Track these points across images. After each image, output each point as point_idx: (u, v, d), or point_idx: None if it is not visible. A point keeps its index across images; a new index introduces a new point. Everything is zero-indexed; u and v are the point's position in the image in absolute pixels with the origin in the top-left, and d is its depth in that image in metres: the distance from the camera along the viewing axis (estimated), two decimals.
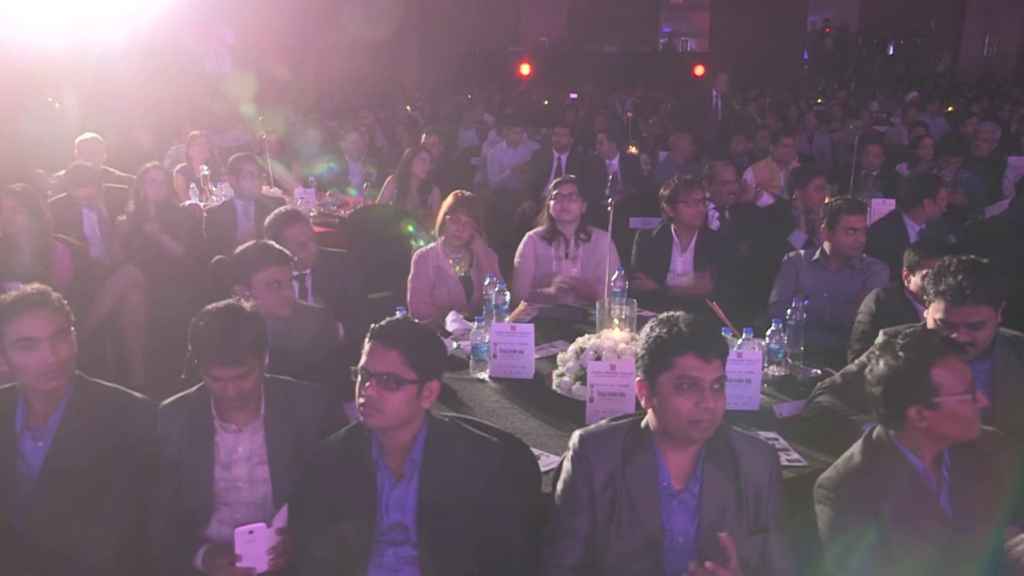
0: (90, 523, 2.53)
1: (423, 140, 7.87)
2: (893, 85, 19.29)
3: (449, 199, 4.42)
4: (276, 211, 4.13)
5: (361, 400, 2.28)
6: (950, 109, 13.34)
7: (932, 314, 2.81)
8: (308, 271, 4.12)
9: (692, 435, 2.16)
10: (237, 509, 2.60)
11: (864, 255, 4.25)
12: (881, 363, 2.25)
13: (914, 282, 3.54)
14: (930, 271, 2.87)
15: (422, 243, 4.38)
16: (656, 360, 2.15)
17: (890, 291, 3.69)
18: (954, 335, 2.67)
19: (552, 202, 4.53)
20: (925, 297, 2.91)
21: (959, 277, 2.70)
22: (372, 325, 2.34)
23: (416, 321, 2.50)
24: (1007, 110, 11.04)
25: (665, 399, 2.14)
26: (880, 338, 2.99)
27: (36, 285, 2.62)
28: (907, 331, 2.35)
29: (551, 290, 4.38)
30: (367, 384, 2.27)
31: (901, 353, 2.22)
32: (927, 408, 2.16)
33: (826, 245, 4.23)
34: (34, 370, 2.52)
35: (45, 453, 2.58)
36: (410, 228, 4.35)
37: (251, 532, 2.37)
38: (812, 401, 3.00)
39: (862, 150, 7.28)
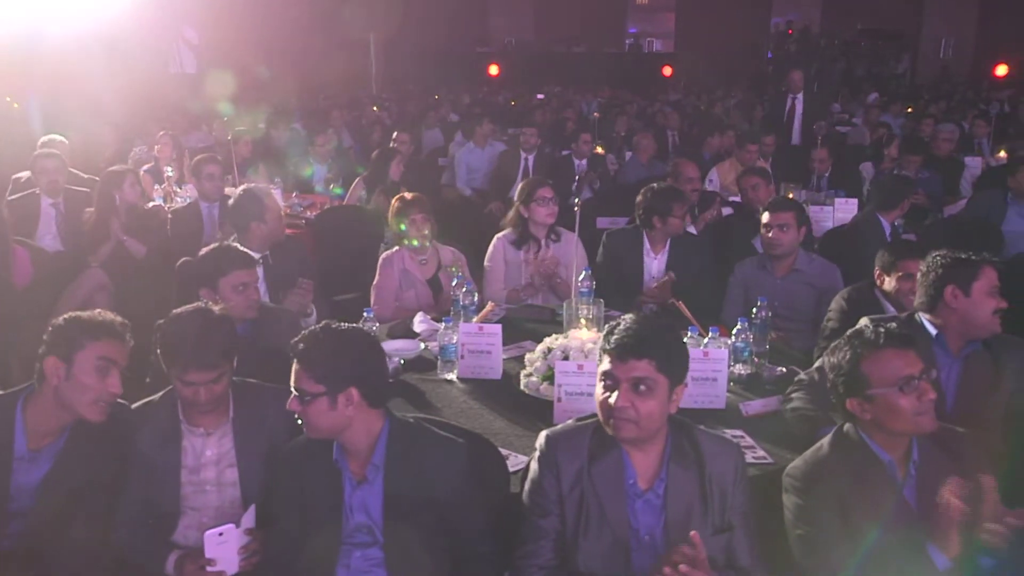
0: (82, 534, 2.50)
1: (394, 138, 7.84)
2: (854, 86, 19.56)
3: (396, 205, 4.37)
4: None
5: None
6: (909, 110, 13.55)
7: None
8: (266, 253, 4.16)
9: (611, 431, 2.19)
10: (205, 513, 2.58)
11: (814, 256, 4.29)
12: (831, 356, 2.33)
13: (888, 283, 3.59)
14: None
15: (415, 242, 4.35)
16: (601, 358, 2.22)
17: (861, 290, 3.73)
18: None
19: (535, 206, 4.47)
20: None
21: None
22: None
23: (339, 327, 2.38)
24: (970, 117, 11.25)
25: (596, 393, 2.23)
26: (863, 323, 3.05)
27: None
28: (888, 323, 2.39)
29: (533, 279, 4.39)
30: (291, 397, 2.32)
31: (844, 345, 2.29)
32: (864, 400, 2.22)
33: None
34: (95, 397, 2.47)
35: (43, 474, 2.51)
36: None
37: (221, 535, 2.35)
38: (787, 397, 3.01)
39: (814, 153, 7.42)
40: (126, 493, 2.56)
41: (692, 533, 2.04)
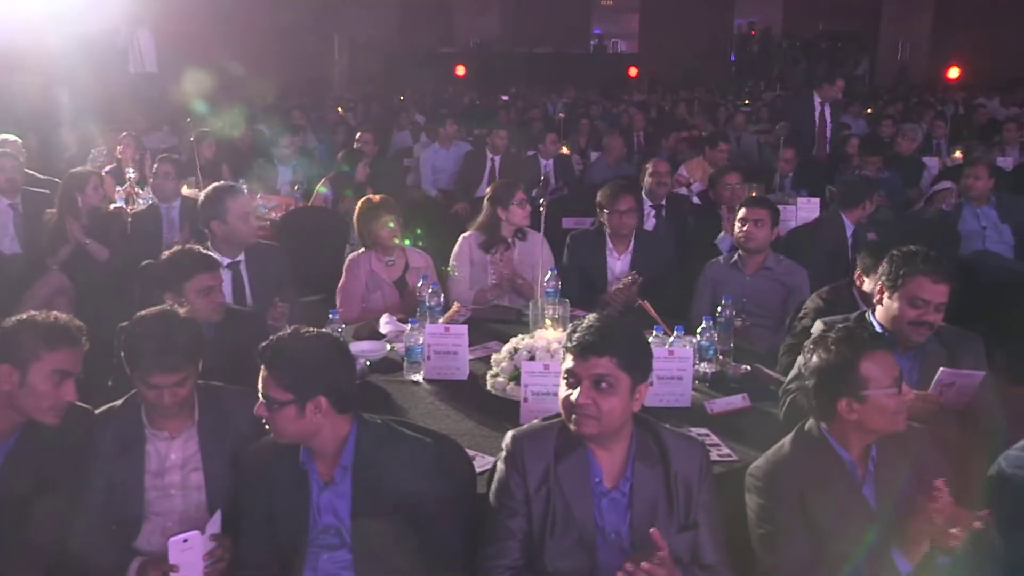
0: (25, 539, 2.45)
1: (358, 138, 7.80)
2: (815, 87, 19.79)
3: (363, 208, 4.34)
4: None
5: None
6: (869, 111, 13.77)
7: (915, 293, 2.89)
8: (242, 259, 4.12)
9: (571, 427, 2.21)
10: (169, 518, 2.55)
11: (782, 257, 4.35)
12: (814, 356, 2.31)
13: (867, 284, 3.61)
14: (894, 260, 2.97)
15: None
16: (563, 357, 2.25)
17: (839, 289, 3.77)
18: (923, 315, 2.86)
19: (515, 208, 4.45)
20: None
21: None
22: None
23: (308, 334, 2.36)
24: (928, 115, 11.47)
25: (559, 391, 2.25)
26: (818, 326, 3.10)
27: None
28: (841, 324, 2.42)
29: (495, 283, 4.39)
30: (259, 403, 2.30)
31: (833, 346, 2.28)
32: (856, 401, 2.23)
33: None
34: (50, 405, 2.43)
35: None
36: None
37: (185, 541, 2.32)
38: (786, 394, 3.01)
39: (778, 154, 7.51)
40: (87, 499, 2.52)
41: (652, 531, 2.05)
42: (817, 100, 8.43)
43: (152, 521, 2.55)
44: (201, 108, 10.00)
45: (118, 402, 2.62)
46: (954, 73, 18.77)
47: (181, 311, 2.63)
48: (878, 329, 2.99)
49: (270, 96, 13.56)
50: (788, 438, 2.37)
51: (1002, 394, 3.21)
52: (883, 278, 2.99)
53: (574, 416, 2.18)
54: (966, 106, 14.48)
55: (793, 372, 3.06)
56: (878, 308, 3.02)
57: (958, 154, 8.34)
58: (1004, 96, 15.85)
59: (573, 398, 2.17)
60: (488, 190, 4.69)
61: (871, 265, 3.61)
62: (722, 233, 5.34)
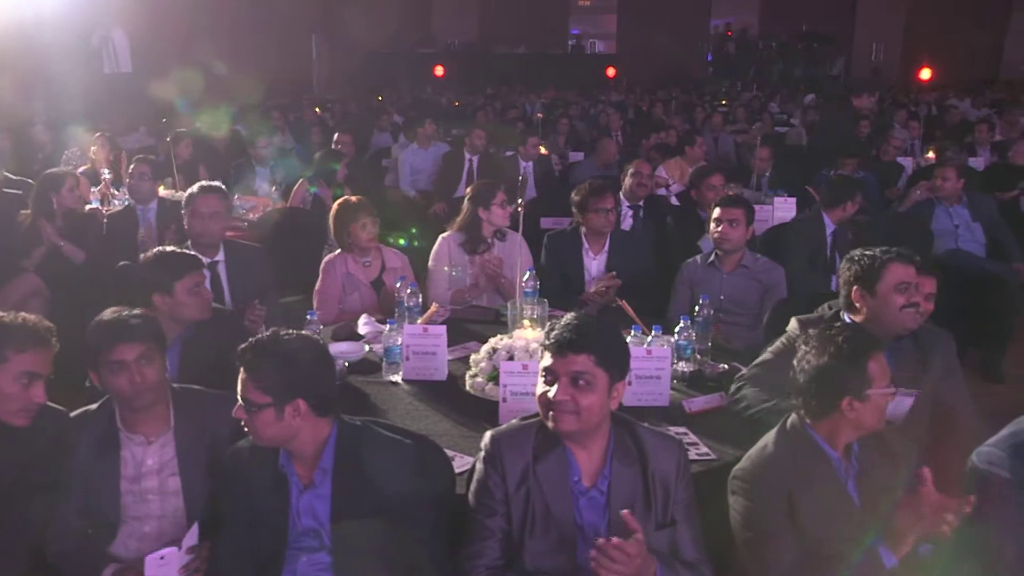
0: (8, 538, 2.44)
1: (336, 139, 7.78)
2: (792, 87, 20.01)
3: (339, 209, 4.32)
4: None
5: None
6: None
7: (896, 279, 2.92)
8: (221, 259, 4.12)
9: (550, 424, 2.21)
10: (147, 522, 2.54)
11: (759, 255, 4.39)
12: (822, 356, 2.29)
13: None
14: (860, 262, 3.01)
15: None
16: (541, 355, 2.26)
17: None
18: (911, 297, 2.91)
19: (496, 208, 4.45)
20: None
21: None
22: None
23: (287, 336, 2.34)
24: (902, 115, 11.60)
25: (536, 389, 2.25)
26: (792, 324, 3.13)
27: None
28: (838, 325, 2.42)
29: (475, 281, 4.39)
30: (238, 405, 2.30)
31: (844, 346, 2.28)
32: (857, 399, 2.25)
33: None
34: (19, 407, 2.42)
35: None
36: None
37: (162, 558, 2.31)
38: (737, 396, 3.04)
39: (754, 153, 7.56)
40: (62, 504, 2.50)
41: (624, 512, 2.06)
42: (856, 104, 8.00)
43: (130, 525, 2.53)
44: (179, 108, 9.94)
45: (93, 405, 2.61)
46: (926, 74, 19.07)
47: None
48: None
49: (251, 96, 13.49)
50: (771, 437, 2.38)
51: (976, 391, 3.26)
52: (857, 284, 3.00)
53: (552, 412, 2.18)
54: (938, 107, 14.67)
55: (745, 374, 3.11)
56: (860, 315, 3.02)
57: (931, 154, 8.44)
58: (975, 97, 16.09)
59: (551, 395, 2.18)
60: (468, 190, 4.66)
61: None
62: (705, 235, 5.35)
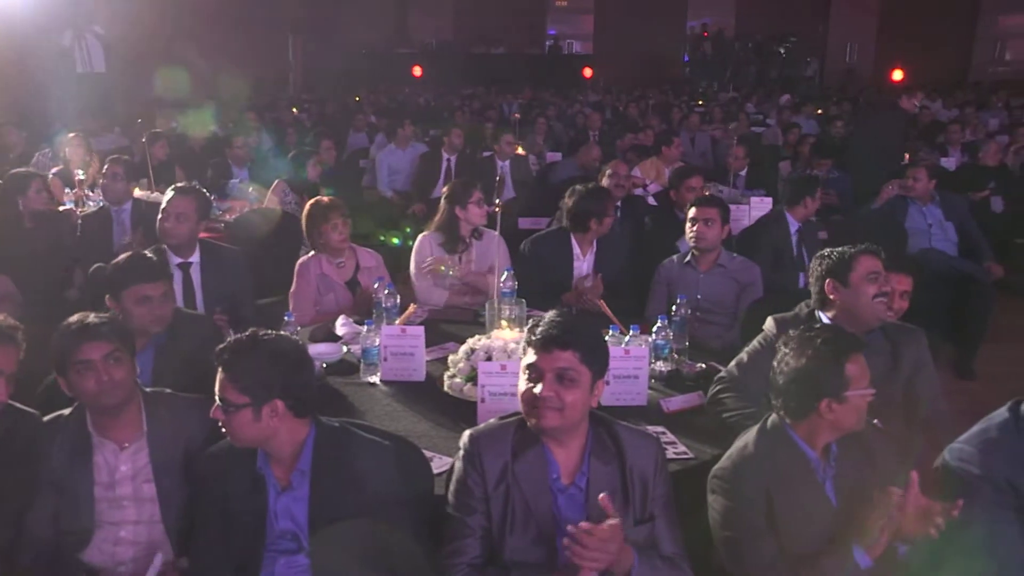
0: None
1: (321, 145, 7.73)
2: (768, 88, 20.16)
3: (311, 210, 4.29)
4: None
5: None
6: (819, 112, 14.03)
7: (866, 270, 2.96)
8: (195, 261, 4.09)
9: (533, 420, 2.22)
10: (123, 528, 2.51)
11: (735, 255, 4.42)
12: (801, 358, 2.31)
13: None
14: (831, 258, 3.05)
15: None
16: (521, 353, 2.27)
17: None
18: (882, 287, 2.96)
19: (473, 207, 4.44)
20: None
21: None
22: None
23: (266, 337, 2.33)
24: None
25: (519, 386, 2.26)
26: (768, 324, 3.15)
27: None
28: (818, 327, 2.43)
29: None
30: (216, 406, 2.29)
31: (823, 348, 2.29)
32: (836, 401, 2.26)
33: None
34: None
35: None
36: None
37: None
38: (716, 398, 3.05)
39: (730, 151, 7.61)
40: (34, 512, 2.47)
41: (601, 497, 2.07)
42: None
43: (105, 530, 2.51)
44: (155, 109, 9.87)
45: (66, 410, 2.58)
46: (898, 75, 19.33)
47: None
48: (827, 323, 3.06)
49: (228, 97, 13.41)
50: (751, 437, 2.39)
51: (948, 389, 3.30)
52: (829, 276, 3.06)
53: (536, 409, 2.19)
54: None
55: (723, 376, 3.14)
56: (833, 309, 3.07)
57: (904, 154, 8.53)
58: (946, 99, 16.30)
59: (536, 391, 2.18)
60: (445, 190, 4.65)
61: None
62: (683, 236, 5.36)
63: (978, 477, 2.17)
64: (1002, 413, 2.26)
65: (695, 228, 4.28)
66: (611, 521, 2.05)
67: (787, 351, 2.36)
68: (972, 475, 2.18)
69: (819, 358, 2.28)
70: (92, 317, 2.52)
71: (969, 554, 2.12)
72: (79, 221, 5.56)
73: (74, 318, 2.53)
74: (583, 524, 2.03)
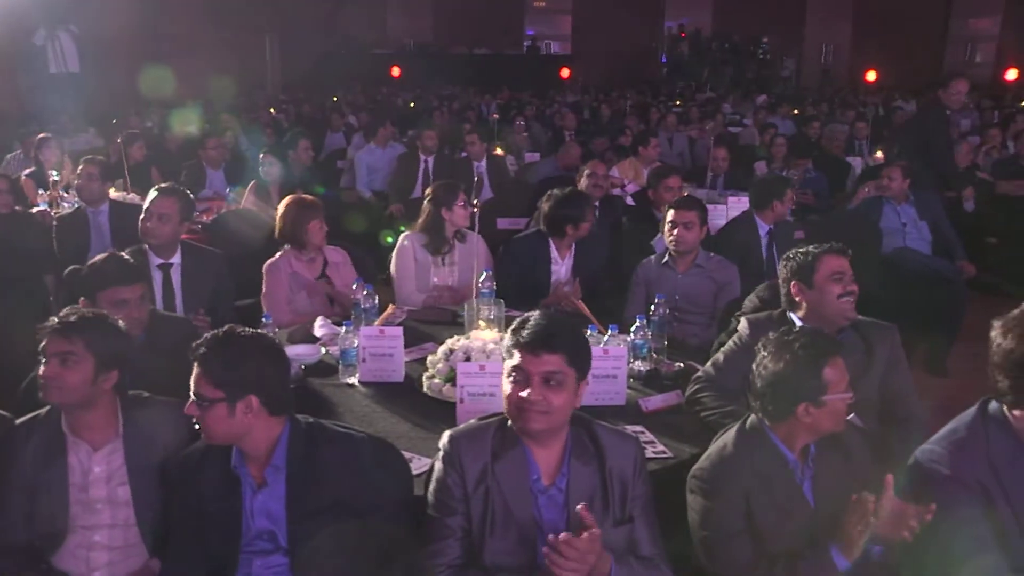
0: None
1: (299, 145, 7.70)
2: (745, 88, 20.29)
3: (298, 206, 4.28)
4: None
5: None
6: (795, 112, 14.14)
7: (830, 270, 3.01)
8: (176, 262, 4.07)
9: (519, 424, 2.21)
10: (97, 532, 2.48)
11: (712, 254, 4.44)
12: (779, 362, 2.31)
13: None
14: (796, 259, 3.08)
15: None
16: (505, 354, 2.25)
17: (775, 287, 3.85)
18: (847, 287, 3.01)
19: (458, 208, 4.45)
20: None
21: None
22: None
23: (242, 333, 2.33)
24: (850, 116, 11.83)
25: (504, 388, 2.24)
26: (742, 325, 3.18)
27: None
28: (796, 330, 2.43)
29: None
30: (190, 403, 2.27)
31: (800, 352, 2.30)
32: (814, 405, 2.27)
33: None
34: None
35: None
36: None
37: None
38: (694, 398, 3.08)
39: (711, 153, 7.64)
40: (5, 515, 2.44)
41: (580, 507, 2.07)
42: (949, 111, 6.96)
43: (79, 534, 2.48)
44: (127, 109, 9.79)
45: (42, 411, 2.55)
46: (871, 76, 19.55)
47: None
48: (797, 323, 3.08)
49: (203, 97, 13.31)
50: (730, 437, 2.40)
51: (922, 386, 3.34)
52: (794, 278, 3.09)
53: (524, 413, 2.18)
54: (885, 108, 14.99)
55: (700, 375, 3.16)
56: (801, 309, 3.10)
57: (880, 154, 8.61)
58: (919, 99, 16.48)
59: (524, 394, 2.16)
60: (429, 191, 4.65)
61: None
62: (659, 235, 5.38)
63: (948, 478, 2.17)
64: (971, 412, 2.28)
65: (675, 232, 4.28)
66: (591, 531, 2.04)
67: (765, 354, 2.37)
68: (942, 476, 2.19)
69: (797, 363, 2.29)
70: (68, 315, 2.49)
71: (940, 555, 2.14)
72: (54, 223, 5.50)
73: (67, 311, 2.52)
74: (563, 536, 2.02)
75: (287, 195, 4.53)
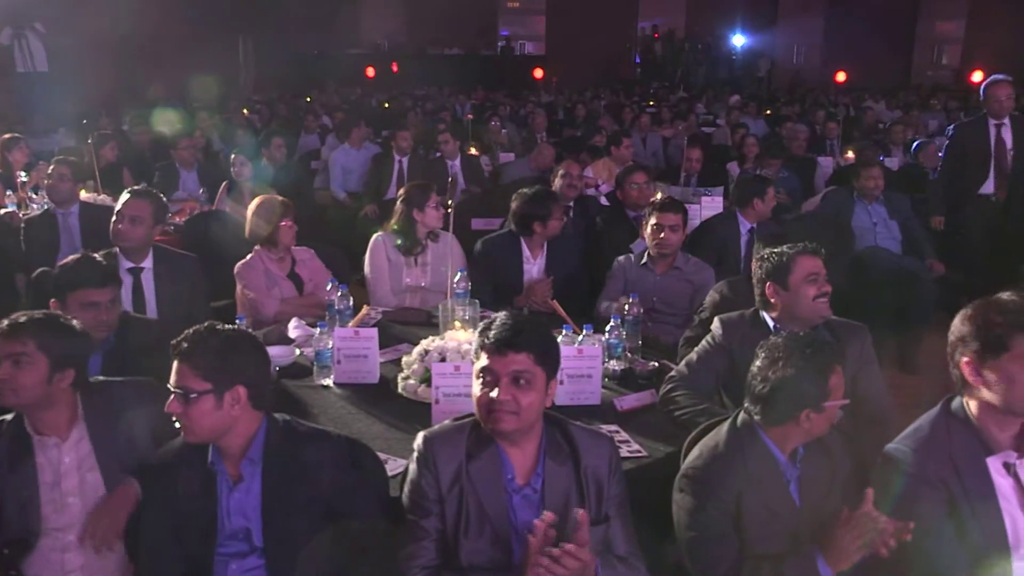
0: None
1: (272, 143, 7.66)
2: (718, 89, 20.43)
3: (269, 205, 4.28)
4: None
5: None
6: (768, 113, 14.25)
7: (805, 272, 3.04)
8: (147, 266, 4.04)
9: (490, 425, 2.21)
10: (70, 531, 2.45)
11: (690, 256, 4.47)
12: (787, 368, 2.30)
13: None
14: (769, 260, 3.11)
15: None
16: (474, 356, 2.26)
17: (735, 284, 3.88)
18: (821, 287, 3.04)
19: (430, 210, 4.46)
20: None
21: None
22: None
23: (224, 328, 2.33)
24: (820, 116, 11.94)
25: (474, 391, 2.25)
26: (715, 324, 3.20)
27: None
28: (801, 336, 2.44)
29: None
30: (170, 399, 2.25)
31: (809, 360, 2.30)
32: (815, 411, 2.29)
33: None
34: None
35: None
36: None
37: None
38: (667, 397, 3.09)
39: (684, 153, 7.69)
40: None
41: (579, 512, 2.05)
42: (992, 123, 6.47)
43: (52, 537, 2.45)
44: (95, 109, 9.68)
45: (8, 416, 2.52)
46: (841, 76, 19.81)
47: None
48: (772, 325, 3.12)
49: (173, 98, 13.19)
50: (722, 437, 2.40)
51: (892, 383, 3.37)
52: (769, 279, 3.10)
53: (493, 414, 2.18)
54: (855, 108, 15.15)
55: (673, 374, 3.18)
56: (775, 310, 3.12)
57: (850, 154, 8.70)
58: (889, 99, 16.70)
59: (493, 395, 2.17)
60: (401, 192, 4.65)
61: None
62: (638, 239, 5.36)
63: (912, 476, 2.20)
64: (935, 410, 2.31)
65: (661, 235, 4.27)
66: (583, 537, 2.04)
67: (769, 359, 2.35)
68: (906, 473, 2.21)
69: (805, 370, 2.29)
70: (19, 317, 2.47)
71: (904, 554, 2.14)
72: (22, 224, 5.43)
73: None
74: (569, 547, 2.00)
75: (259, 195, 4.51)
